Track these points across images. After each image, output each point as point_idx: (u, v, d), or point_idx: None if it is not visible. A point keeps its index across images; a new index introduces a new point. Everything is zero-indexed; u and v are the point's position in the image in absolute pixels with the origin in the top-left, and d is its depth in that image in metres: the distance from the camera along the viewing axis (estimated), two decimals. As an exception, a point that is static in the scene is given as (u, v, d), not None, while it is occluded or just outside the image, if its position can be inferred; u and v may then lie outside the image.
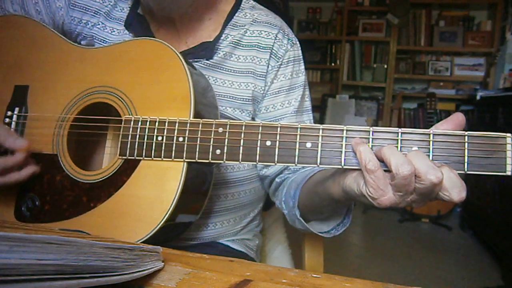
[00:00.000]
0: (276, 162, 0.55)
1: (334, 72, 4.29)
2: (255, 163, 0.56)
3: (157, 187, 0.60)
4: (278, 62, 0.78)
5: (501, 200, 2.45)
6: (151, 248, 0.43)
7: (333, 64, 4.24)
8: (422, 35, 3.95)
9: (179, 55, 0.63)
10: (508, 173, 0.48)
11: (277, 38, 0.78)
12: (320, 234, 0.70)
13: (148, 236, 0.58)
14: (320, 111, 4.04)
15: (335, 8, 4.19)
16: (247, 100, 0.78)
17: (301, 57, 0.83)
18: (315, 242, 0.90)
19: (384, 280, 0.44)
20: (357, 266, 2.49)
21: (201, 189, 0.66)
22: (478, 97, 3.08)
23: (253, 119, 0.81)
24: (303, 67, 0.83)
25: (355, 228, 3.19)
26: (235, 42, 0.77)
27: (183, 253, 0.50)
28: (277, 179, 0.81)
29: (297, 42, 0.82)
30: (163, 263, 0.44)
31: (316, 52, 4.28)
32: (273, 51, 0.78)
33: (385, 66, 4.03)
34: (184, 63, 0.62)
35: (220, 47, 0.77)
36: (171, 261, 0.46)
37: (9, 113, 0.72)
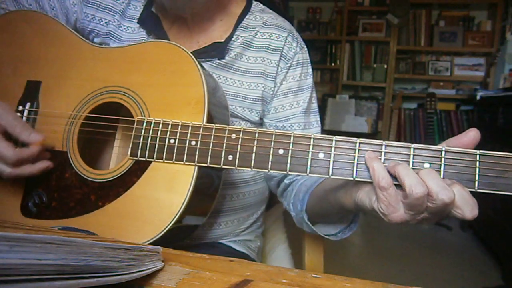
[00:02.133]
0: (288, 171, 0.55)
1: (334, 72, 4.29)
2: (266, 171, 0.56)
3: (167, 190, 0.60)
4: (287, 64, 0.80)
5: (501, 200, 2.45)
6: (151, 248, 0.43)
7: (333, 64, 4.24)
8: (422, 35, 3.95)
9: (194, 59, 0.63)
10: None
11: (287, 40, 0.80)
12: (327, 237, 0.71)
13: (155, 238, 0.58)
14: (320, 111, 4.01)
15: (335, 8, 4.19)
16: (256, 100, 0.79)
17: (309, 60, 0.84)
18: (315, 242, 0.90)
19: (384, 280, 0.44)
20: (357, 266, 2.49)
21: (210, 193, 0.67)
22: (478, 97, 3.08)
23: (261, 119, 0.82)
24: (310, 70, 0.85)
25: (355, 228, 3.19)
26: (246, 43, 0.79)
27: (183, 253, 0.50)
28: (286, 180, 0.82)
29: (305, 46, 0.84)
30: (163, 263, 0.44)
31: (316, 52, 4.27)
32: (283, 53, 0.79)
33: (385, 66, 4.03)
34: (199, 68, 0.62)
35: (231, 47, 0.78)
36: (171, 261, 0.46)
37: (20, 108, 0.72)
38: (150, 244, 0.58)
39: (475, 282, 2.28)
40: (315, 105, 0.86)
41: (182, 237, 0.69)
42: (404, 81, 4.09)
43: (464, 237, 3.01)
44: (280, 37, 0.80)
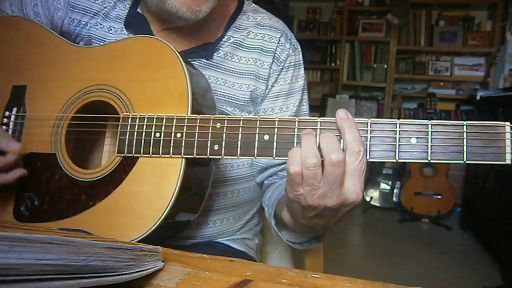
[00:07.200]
0: (274, 156, 0.55)
1: (334, 72, 4.29)
2: (253, 157, 0.56)
3: (156, 184, 0.60)
4: (279, 66, 0.79)
5: (501, 200, 2.45)
6: (151, 248, 0.43)
7: (333, 64, 4.24)
8: (422, 35, 3.95)
9: (176, 52, 0.63)
10: (508, 162, 0.48)
11: (280, 42, 0.79)
12: (291, 244, 0.71)
13: (147, 233, 0.58)
14: (320, 111, 4.04)
15: (335, 8, 4.19)
16: (247, 101, 0.79)
17: (302, 61, 0.84)
18: (315, 242, 0.90)
19: (384, 280, 0.44)
20: (357, 266, 2.49)
21: (200, 186, 0.66)
22: (478, 97, 3.08)
23: None
24: (303, 71, 0.84)
25: (355, 228, 3.19)
26: (237, 43, 0.78)
27: (183, 253, 0.50)
28: (266, 181, 0.83)
29: (299, 47, 0.84)
30: (163, 263, 0.44)
31: (316, 52, 4.27)
32: (275, 55, 0.79)
33: (385, 66, 4.03)
34: (182, 61, 0.62)
35: (221, 47, 0.77)
36: (171, 261, 0.46)
37: (7, 113, 0.72)
38: (142, 240, 0.58)
39: (475, 282, 2.28)
40: (305, 107, 0.86)
41: (174, 232, 0.68)
42: (404, 81, 4.09)
43: (464, 237, 3.01)
44: (273, 38, 0.79)
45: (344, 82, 4.17)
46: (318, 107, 4.03)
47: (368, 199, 3.54)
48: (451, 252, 2.73)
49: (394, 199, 3.50)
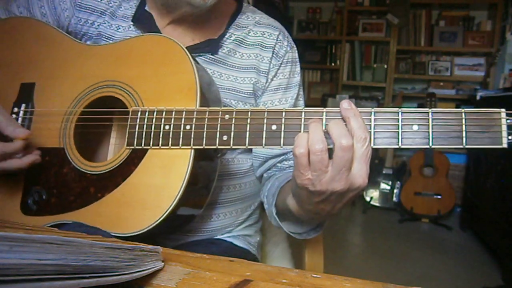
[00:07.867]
0: (282, 145, 0.56)
1: (334, 72, 4.28)
2: (261, 147, 0.58)
3: (165, 175, 0.60)
4: (278, 61, 0.84)
5: (501, 200, 2.45)
6: (151, 248, 0.43)
7: (333, 64, 4.24)
8: (422, 35, 3.95)
9: (184, 48, 0.64)
10: (504, 145, 0.50)
11: (279, 39, 0.85)
12: (291, 234, 0.73)
13: (155, 224, 0.58)
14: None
15: (335, 8, 4.19)
16: (249, 94, 0.82)
17: (298, 59, 0.89)
18: (315, 242, 0.90)
19: (384, 280, 0.44)
20: (357, 266, 2.49)
21: (207, 179, 0.67)
22: (478, 97, 3.08)
23: None
24: (299, 69, 0.89)
25: (355, 228, 3.19)
26: (239, 40, 0.83)
27: (183, 253, 0.50)
28: (265, 175, 0.86)
29: (295, 46, 0.89)
30: (163, 263, 0.44)
31: (316, 52, 4.27)
32: (274, 50, 0.84)
33: (385, 66, 4.03)
34: (190, 56, 0.64)
35: (224, 44, 0.81)
36: (171, 261, 0.46)
37: (15, 109, 0.73)
38: (150, 230, 0.58)
39: (475, 282, 2.28)
40: (301, 102, 0.90)
41: (181, 225, 0.69)
42: (404, 81, 4.09)
43: (464, 237, 3.01)
44: (272, 35, 0.84)
45: (344, 82, 4.17)
46: (318, 107, 4.02)
47: (368, 199, 3.54)
48: (451, 252, 2.73)
49: (394, 199, 3.50)
